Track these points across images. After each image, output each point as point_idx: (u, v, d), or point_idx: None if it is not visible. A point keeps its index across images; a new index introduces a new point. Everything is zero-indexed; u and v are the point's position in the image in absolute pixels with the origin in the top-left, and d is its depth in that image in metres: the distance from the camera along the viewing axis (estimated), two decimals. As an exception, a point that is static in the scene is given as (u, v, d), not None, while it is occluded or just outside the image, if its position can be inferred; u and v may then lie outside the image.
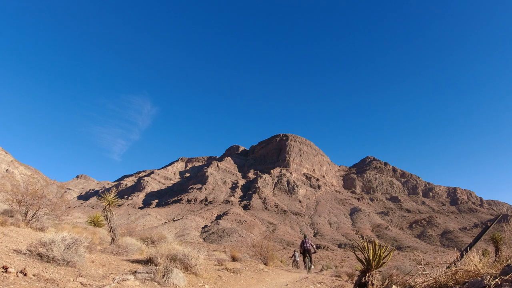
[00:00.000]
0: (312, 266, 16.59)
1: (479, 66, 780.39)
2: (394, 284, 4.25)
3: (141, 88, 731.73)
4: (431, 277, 4.04)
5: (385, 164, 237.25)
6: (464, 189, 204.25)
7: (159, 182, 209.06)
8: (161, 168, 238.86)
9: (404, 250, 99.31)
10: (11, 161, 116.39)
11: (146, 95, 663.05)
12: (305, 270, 15.97)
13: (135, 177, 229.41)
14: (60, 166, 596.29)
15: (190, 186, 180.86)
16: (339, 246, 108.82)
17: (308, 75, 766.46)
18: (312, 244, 16.68)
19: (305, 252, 16.13)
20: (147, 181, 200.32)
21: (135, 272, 4.90)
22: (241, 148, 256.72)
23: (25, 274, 3.25)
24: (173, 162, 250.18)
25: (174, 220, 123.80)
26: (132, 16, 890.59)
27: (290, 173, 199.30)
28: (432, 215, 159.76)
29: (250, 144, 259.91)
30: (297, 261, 21.78)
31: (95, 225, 14.68)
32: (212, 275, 6.93)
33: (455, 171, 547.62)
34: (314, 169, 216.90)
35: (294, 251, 23.71)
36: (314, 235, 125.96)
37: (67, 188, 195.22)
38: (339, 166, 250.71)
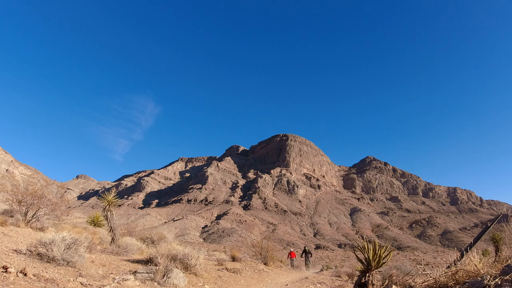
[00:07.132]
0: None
1: (479, 65, 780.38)
2: (394, 284, 4.25)
3: (144, 87, 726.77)
4: (431, 277, 4.04)
5: (385, 164, 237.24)
6: (464, 189, 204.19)
7: (159, 182, 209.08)
8: (161, 168, 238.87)
9: (404, 250, 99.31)
10: (11, 161, 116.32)
11: (149, 94, 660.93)
12: (306, 270, 16.12)
13: (135, 177, 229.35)
14: (60, 166, 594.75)
15: (190, 186, 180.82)
16: (339, 246, 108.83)
17: (308, 75, 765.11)
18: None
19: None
20: (147, 181, 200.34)
21: (135, 272, 4.90)
22: (241, 148, 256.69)
23: (25, 274, 3.25)
24: (173, 162, 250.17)
25: (174, 220, 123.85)
26: (135, 16, 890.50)
27: (290, 173, 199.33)
28: (432, 215, 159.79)
29: (250, 144, 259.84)
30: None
31: (95, 225, 14.68)
32: (212, 275, 6.93)
33: (455, 171, 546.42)
34: (314, 169, 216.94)
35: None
36: (314, 235, 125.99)
37: (67, 188, 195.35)
38: (339, 166, 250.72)
